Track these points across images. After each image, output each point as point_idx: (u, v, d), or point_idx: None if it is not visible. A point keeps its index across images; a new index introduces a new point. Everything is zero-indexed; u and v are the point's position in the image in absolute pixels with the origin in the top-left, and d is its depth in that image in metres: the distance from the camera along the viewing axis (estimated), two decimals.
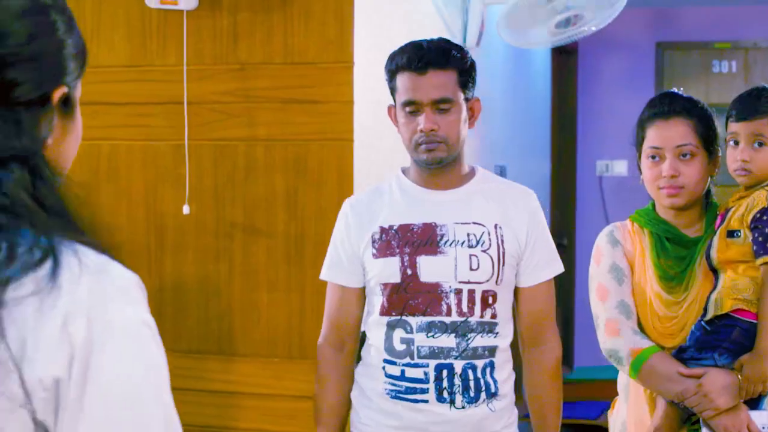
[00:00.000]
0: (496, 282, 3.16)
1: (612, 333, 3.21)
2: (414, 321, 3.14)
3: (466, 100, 3.18)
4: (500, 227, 3.18)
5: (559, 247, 8.70)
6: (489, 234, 3.16)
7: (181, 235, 4.29)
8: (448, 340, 3.12)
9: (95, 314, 1.31)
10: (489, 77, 6.03)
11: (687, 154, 3.16)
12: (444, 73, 3.13)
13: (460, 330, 3.12)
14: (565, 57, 8.78)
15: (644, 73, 9.01)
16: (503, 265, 3.16)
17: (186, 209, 4.21)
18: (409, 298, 3.14)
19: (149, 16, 4.28)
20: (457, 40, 4.73)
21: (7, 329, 1.25)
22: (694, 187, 3.18)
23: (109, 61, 4.34)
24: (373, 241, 3.20)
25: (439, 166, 3.17)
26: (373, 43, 4.23)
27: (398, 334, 3.16)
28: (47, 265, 1.30)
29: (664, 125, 3.19)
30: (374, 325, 3.23)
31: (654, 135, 3.20)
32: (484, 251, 3.15)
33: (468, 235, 3.15)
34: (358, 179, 4.09)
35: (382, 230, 3.20)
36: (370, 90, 4.18)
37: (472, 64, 3.21)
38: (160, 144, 4.30)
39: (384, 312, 3.19)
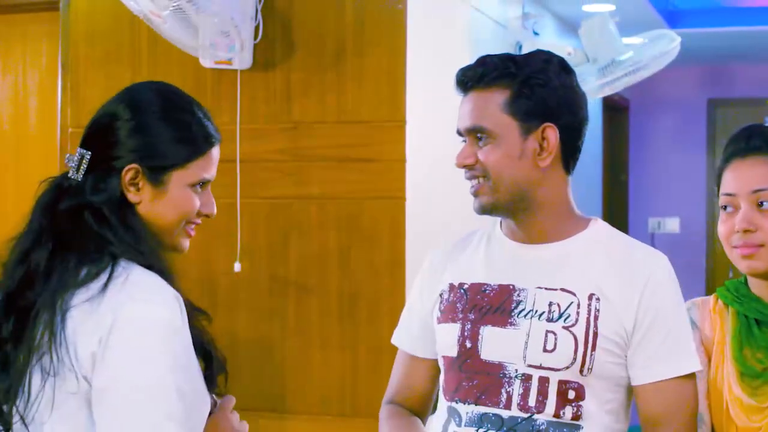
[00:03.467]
0: (581, 371, 2.32)
1: None
2: (464, 410, 2.39)
3: (527, 129, 2.37)
4: (597, 299, 2.34)
5: None
6: (578, 306, 2.34)
7: (233, 293, 4.30)
8: None
9: (119, 312, 1.96)
10: None
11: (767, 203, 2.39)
12: (483, 94, 2.39)
13: (520, 430, 2.33)
14: (617, 114, 8.77)
15: (696, 129, 8.99)
16: (593, 349, 2.32)
17: (237, 267, 4.23)
18: (462, 378, 2.40)
19: (204, 75, 4.32)
20: None
21: (68, 322, 1.97)
22: None
23: None
24: (441, 301, 2.51)
25: (492, 214, 2.45)
26: (425, 101, 4.25)
27: (452, 426, 2.42)
28: (103, 278, 2.00)
29: (740, 166, 2.42)
30: (438, 410, 2.51)
31: (728, 178, 2.44)
32: (566, 328, 2.34)
33: (550, 305, 2.36)
34: (411, 237, 4.09)
35: (451, 288, 2.49)
36: (423, 148, 4.19)
37: (541, 81, 2.38)
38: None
39: (444, 393, 2.47)
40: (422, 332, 2.56)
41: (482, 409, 2.36)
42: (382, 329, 4.05)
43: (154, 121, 2.13)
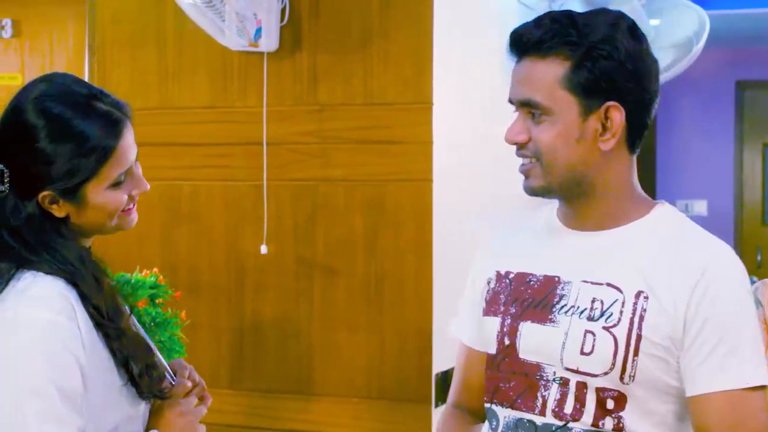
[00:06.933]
0: (622, 379, 2.04)
1: None
2: (501, 414, 2.17)
3: (588, 107, 2.08)
4: (646, 297, 2.04)
5: None
6: (624, 304, 2.05)
7: (260, 276, 4.31)
8: None
9: (2, 313, 2.00)
10: None
11: None
12: (539, 62, 2.10)
13: None
14: None
15: (724, 111, 8.95)
16: (635, 354, 2.03)
17: (264, 249, 4.23)
18: (500, 379, 2.17)
19: (230, 58, 4.32)
20: None
21: None
22: None
23: (190, 102, 4.39)
24: (488, 290, 2.27)
25: (543, 197, 2.19)
26: (451, 83, 4.23)
27: (487, 428, 2.23)
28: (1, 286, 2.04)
29: None
30: None
31: None
32: (606, 329, 2.05)
33: (593, 301, 2.08)
34: (437, 220, 4.08)
35: (498, 276, 2.25)
36: (449, 130, 4.18)
37: (605, 51, 2.06)
38: (240, 184, 4.33)
39: (485, 394, 2.25)
40: (475, 321, 2.31)
41: (517, 414, 2.13)
42: (408, 312, 4.06)
43: (59, 140, 2.07)
